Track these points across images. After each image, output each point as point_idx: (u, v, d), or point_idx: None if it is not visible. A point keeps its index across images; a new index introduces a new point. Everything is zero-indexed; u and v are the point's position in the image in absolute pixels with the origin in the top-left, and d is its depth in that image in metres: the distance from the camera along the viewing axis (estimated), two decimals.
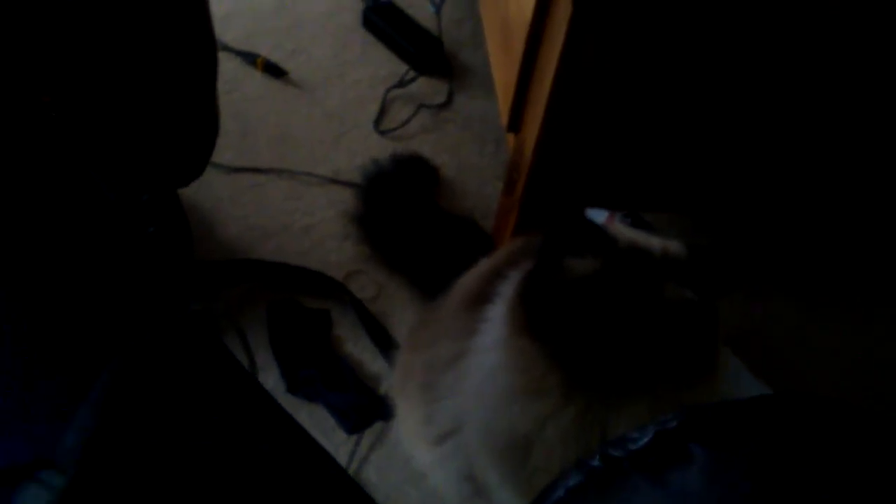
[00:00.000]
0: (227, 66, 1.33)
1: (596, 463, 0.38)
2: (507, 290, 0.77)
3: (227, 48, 1.34)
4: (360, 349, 1.08)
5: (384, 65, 1.37)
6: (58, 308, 0.47)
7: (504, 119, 1.03)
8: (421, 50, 1.36)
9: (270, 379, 1.05)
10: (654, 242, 0.73)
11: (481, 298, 0.80)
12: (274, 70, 1.33)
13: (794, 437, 0.35)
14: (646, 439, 0.36)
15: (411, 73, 1.35)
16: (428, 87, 1.36)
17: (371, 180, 1.19)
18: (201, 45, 0.71)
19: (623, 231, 0.77)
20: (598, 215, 1.16)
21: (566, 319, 0.67)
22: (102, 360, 0.45)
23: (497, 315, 0.76)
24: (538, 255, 0.72)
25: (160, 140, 0.71)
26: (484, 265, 0.90)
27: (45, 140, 0.51)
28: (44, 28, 0.55)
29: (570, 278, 0.68)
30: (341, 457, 0.99)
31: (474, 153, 1.29)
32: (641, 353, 0.66)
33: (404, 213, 1.17)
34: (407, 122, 1.30)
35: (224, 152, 1.23)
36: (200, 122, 0.77)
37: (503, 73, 1.05)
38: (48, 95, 0.52)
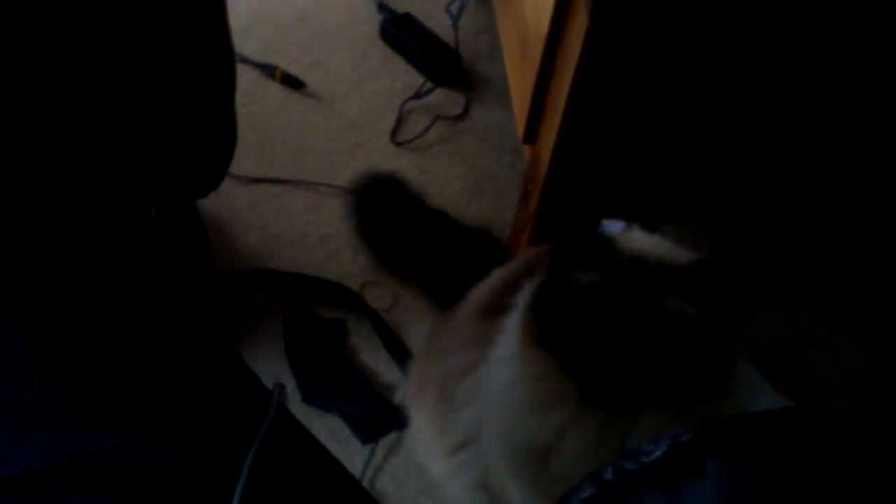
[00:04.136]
0: (246, 79, 1.34)
1: (609, 476, 0.38)
2: (522, 300, 0.77)
3: (245, 60, 1.35)
4: (375, 359, 1.09)
5: (401, 76, 1.38)
6: (74, 316, 0.47)
7: (520, 130, 1.03)
8: (438, 61, 1.37)
9: (286, 389, 1.05)
10: (665, 252, 0.72)
11: (496, 309, 0.81)
12: (292, 82, 1.34)
13: (810, 451, 0.35)
14: (659, 452, 0.36)
15: (428, 85, 1.36)
16: (445, 99, 1.36)
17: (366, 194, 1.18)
18: (219, 58, 0.71)
19: (638, 240, 0.76)
20: (615, 227, 1.16)
21: (573, 331, 0.68)
22: (119, 369, 0.46)
23: (512, 326, 0.76)
24: (547, 267, 0.73)
25: (178, 151, 0.72)
26: (499, 275, 0.91)
27: (62, 152, 0.52)
28: (62, 41, 0.56)
29: (576, 291, 0.68)
30: (356, 467, 1.00)
31: (491, 164, 1.29)
32: (645, 365, 0.66)
33: (422, 224, 1.17)
34: (423, 133, 1.31)
35: (242, 163, 1.24)
36: (218, 133, 0.78)
37: (520, 85, 1.05)
38: (67, 108, 0.53)
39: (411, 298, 1.14)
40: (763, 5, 0.78)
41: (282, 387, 0.49)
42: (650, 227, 1.15)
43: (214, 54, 0.70)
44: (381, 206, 1.14)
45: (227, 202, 1.21)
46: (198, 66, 0.68)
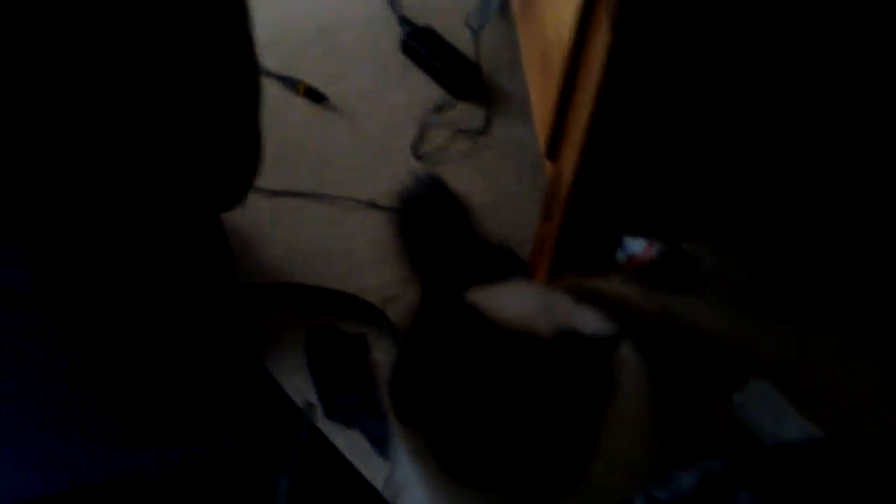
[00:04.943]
0: (269, 92, 1.34)
1: None
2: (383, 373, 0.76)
3: (268, 74, 1.36)
4: None
5: (422, 90, 1.39)
6: (112, 334, 0.48)
7: (542, 146, 1.03)
8: (459, 75, 1.37)
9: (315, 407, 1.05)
10: (532, 320, 0.68)
11: None
12: (314, 95, 1.34)
13: (842, 482, 0.35)
14: (691, 482, 0.36)
15: (449, 99, 1.36)
16: (465, 113, 1.36)
17: (408, 204, 1.19)
18: (247, 76, 0.72)
19: (507, 306, 0.71)
20: (636, 245, 1.15)
21: (428, 407, 0.66)
22: (156, 387, 0.46)
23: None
24: (407, 335, 0.71)
25: (206, 166, 0.73)
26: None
27: (98, 169, 0.53)
28: (100, 60, 0.57)
29: (432, 364, 0.66)
30: (378, 483, 0.99)
31: (511, 179, 1.29)
32: (497, 443, 0.63)
33: (442, 237, 1.17)
34: (444, 147, 1.31)
35: (265, 176, 1.23)
36: (246, 148, 0.79)
37: (541, 101, 1.05)
38: (101, 125, 0.54)
39: None
40: (795, 24, 0.78)
41: (311, 406, 0.49)
42: (672, 245, 1.14)
43: (242, 72, 0.71)
44: (428, 214, 1.14)
45: (250, 215, 1.21)
46: (226, 83, 0.69)
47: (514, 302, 0.72)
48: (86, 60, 0.56)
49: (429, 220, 1.18)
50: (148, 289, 0.51)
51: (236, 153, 0.78)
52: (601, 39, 0.81)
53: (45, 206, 0.50)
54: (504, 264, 1.16)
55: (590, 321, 0.72)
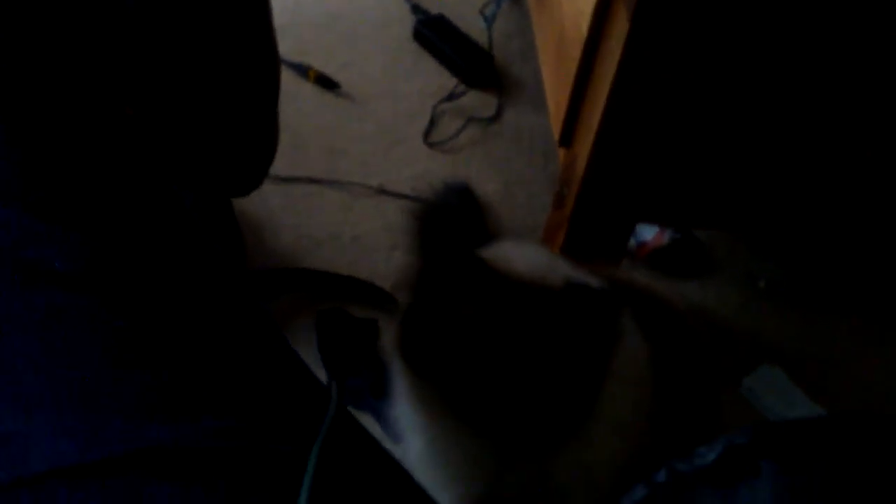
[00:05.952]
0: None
1: (662, 478, 0.38)
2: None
3: (280, 60, 1.36)
4: None
5: (434, 78, 1.39)
6: (145, 307, 0.48)
7: (556, 133, 1.04)
8: (471, 63, 1.37)
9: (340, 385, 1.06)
10: (542, 272, 0.67)
11: None
12: (326, 82, 1.35)
13: (866, 457, 0.36)
14: (714, 455, 0.36)
15: (461, 87, 1.36)
16: (477, 101, 1.37)
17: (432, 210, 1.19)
18: (266, 60, 0.73)
19: (515, 258, 0.70)
20: (649, 231, 1.16)
21: (438, 359, 0.66)
22: (189, 359, 0.47)
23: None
24: (417, 287, 0.71)
25: (225, 150, 0.74)
26: None
27: (128, 150, 0.54)
28: (126, 41, 0.58)
29: (442, 317, 0.66)
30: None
31: (523, 166, 1.30)
32: (494, 388, 0.64)
33: (457, 239, 1.16)
34: (456, 135, 1.32)
35: (276, 162, 1.24)
36: (263, 132, 0.80)
37: (556, 88, 1.06)
38: (131, 108, 0.55)
39: None
40: (808, 19, 0.78)
41: (338, 384, 0.50)
42: (684, 232, 1.15)
43: (262, 57, 0.72)
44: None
45: (261, 201, 1.22)
46: (246, 67, 0.71)
47: (524, 257, 0.71)
48: (113, 42, 0.56)
49: (448, 224, 1.17)
50: (177, 266, 0.52)
51: (254, 137, 0.79)
52: (619, 28, 0.82)
53: (95, 188, 0.51)
54: None
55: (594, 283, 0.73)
